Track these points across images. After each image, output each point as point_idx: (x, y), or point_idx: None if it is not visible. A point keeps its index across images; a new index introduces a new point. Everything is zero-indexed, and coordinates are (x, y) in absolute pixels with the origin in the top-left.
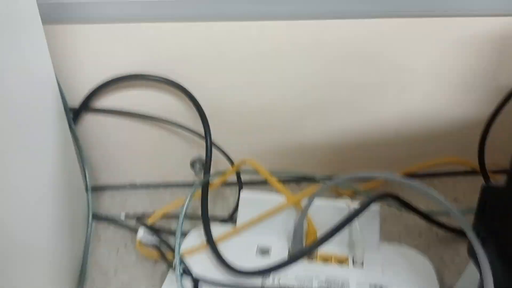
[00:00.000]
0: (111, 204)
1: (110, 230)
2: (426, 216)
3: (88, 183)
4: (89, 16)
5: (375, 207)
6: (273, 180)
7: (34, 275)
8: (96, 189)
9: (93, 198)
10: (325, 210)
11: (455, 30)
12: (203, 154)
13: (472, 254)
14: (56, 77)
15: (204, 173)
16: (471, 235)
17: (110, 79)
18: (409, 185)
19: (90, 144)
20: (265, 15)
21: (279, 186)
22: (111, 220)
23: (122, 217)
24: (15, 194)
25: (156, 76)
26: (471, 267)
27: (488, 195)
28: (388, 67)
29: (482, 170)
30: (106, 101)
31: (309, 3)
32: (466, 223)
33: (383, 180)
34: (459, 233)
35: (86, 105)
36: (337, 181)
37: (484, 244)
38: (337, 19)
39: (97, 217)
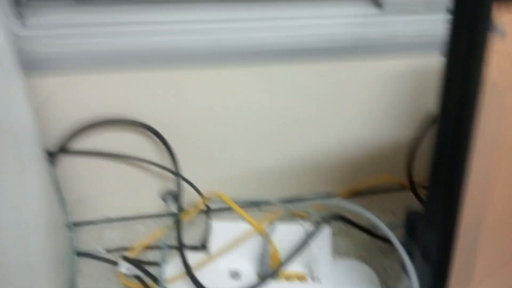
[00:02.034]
0: (89, 239)
1: (91, 264)
2: (368, 231)
3: (69, 221)
4: (66, 67)
5: (326, 228)
6: (241, 211)
7: None
8: (74, 226)
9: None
10: (284, 232)
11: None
12: (171, 186)
13: (403, 265)
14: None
15: (178, 210)
16: (400, 248)
17: (87, 125)
18: (349, 208)
19: (67, 184)
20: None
21: (247, 216)
22: (92, 255)
23: (102, 251)
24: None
25: (127, 120)
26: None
27: (411, 218)
28: (328, 104)
29: (412, 187)
30: (80, 143)
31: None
32: (395, 239)
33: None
34: None
35: (63, 148)
36: (295, 207)
37: (410, 255)
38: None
39: (78, 253)
